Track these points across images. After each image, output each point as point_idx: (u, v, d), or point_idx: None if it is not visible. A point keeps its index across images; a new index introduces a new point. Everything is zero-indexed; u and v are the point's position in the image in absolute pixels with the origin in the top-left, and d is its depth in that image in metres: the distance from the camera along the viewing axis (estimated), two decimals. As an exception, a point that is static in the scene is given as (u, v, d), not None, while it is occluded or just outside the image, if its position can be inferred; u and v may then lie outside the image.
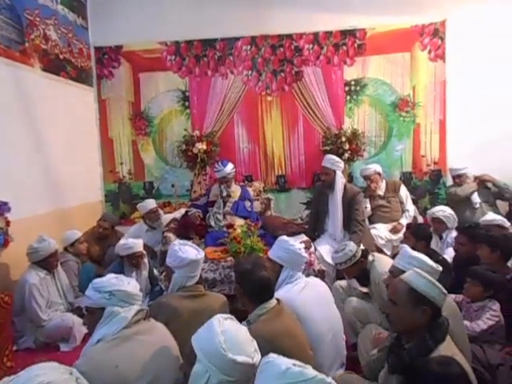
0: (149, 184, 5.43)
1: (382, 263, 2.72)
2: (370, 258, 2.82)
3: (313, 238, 3.90)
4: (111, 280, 1.84)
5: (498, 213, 4.06)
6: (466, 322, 2.43)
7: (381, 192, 4.46)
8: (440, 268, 2.24)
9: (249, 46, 5.20)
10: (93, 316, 1.82)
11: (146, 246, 3.77)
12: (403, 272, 2.14)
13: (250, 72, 5.24)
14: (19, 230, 3.29)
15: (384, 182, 4.55)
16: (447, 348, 1.65)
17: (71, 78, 4.76)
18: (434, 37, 5.02)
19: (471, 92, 4.90)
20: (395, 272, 2.27)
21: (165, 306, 2.21)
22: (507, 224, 3.55)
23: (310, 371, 1.18)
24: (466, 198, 4.33)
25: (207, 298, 2.34)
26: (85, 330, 3.24)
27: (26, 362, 2.98)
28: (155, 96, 5.35)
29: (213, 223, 4.10)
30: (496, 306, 2.46)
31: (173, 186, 5.36)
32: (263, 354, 1.32)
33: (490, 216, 3.62)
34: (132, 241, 3.58)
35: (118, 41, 5.27)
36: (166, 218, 4.52)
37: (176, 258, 2.33)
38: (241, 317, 1.82)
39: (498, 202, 4.45)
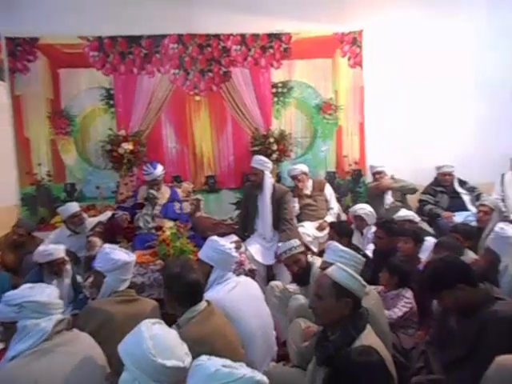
0: (70, 186, 5.11)
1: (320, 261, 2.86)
2: (310, 257, 2.99)
3: (243, 238, 3.96)
4: (23, 291, 1.73)
5: (410, 209, 4.44)
6: (385, 311, 2.64)
7: (307, 191, 4.64)
8: (363, 259, 2.45)
9: (176, 45, 5.11)
10: (9, 331, 1.70)
11: (68, 252, 3.57)
12: None
13: (177, 71, 5.15)
14: None
15: (310, 181, 4.74)
16: (368, 336, 1.78)
17: (-21, 71, 4.34)
18: (352, 45, 5.31)
19: (387, 97, 5.27)
20: (328, 267, 2.39)
21: (97, 310, 2.15)
22: (417, 219, 3.97)
23: (239, 371, 1.21)
24: (381, 194, 4.67)
25: (140, 302, 2.32)
26: (0, 346, 2.99)
27: None
28: (77, 93, 5.04)
29: (142, 224, 4.01)
30: (409, 293, 2.71)
31: (97, 187, 5.11)
32: (194, 356, 1.33)
33: (403, 212, 3.96)
34: (53, 246, 3.37)
35: (33, 32, 4.88)
36: (90, 221, 4.31)
37: (108, 260, 2.31)
38: (170, 321, 1.80)
39: (410, 196, 4.83)
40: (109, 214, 4.35)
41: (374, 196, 4.74)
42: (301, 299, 2.84)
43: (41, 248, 3.38)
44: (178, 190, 4.45)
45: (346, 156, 5.44)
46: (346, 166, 5.45)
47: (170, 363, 1.34)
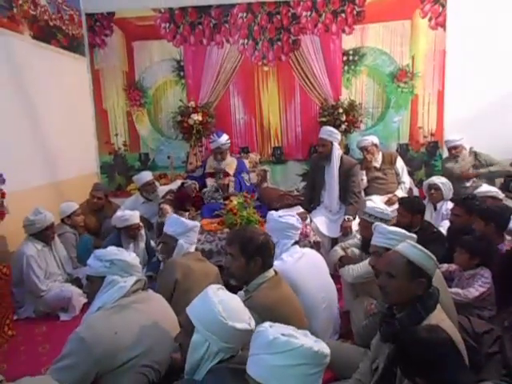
0: (144, 155, 5.39)
1: None
2: None
3: (308, 210, 3.93)
4: (112, 250, 1.91)
5: (493, 185, 4.08)
6: (459, 290, 2.49)
7: (377, 164, 4.45)
8: (415, 236, 2.24)
9: (245, 13, 5.05)
10: (93, 284, 1.87)
11: (142, 218, 3.78)
12: (387, 249, 2.17)
13: (246, 41, 5.11)
14: (15, 202, 3.28)
15: (380, 153, 4.53)
16: (438, 317, 1.69)
17: (62, 46, 4.62)
18: (435, 3, 4.88)
19: (471, 62, 4.80)
20: (379, 251, 2.29)
21: (178, 263, 2.38)
22: (501, 195, 3.57)
23: (298, 340, 1.20)
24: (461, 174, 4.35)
25: (208, 264, 2.57)
26: (83, 300, 3.30)
27: (26, 331, 3.07)
28: (149, 66, 5.22)
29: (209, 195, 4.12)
30: (487, 273, 2.52)
31: (168, 157, 5.32)
32: (264, 321, 1.35)
33: (485, 188, 3.63)
34: (129, 213, 3.59)
35: (110, 7, 5.10)
36: (161, 189, 4.52)
37: (179, 224, 2.58)
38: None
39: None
40: (179, 182, 4.52)
41: (455, 176, 4.36)
42: (340, 252, 2.98)
43: (118, 214, 3.62)
44: (245, 161, 4.49)
45: (421, 127, 5.12)
46: (420, 138, 5.13)
47: (239, 326, 1.40)
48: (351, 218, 3.72)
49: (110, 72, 5.23)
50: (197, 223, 2.70)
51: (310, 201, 4.06)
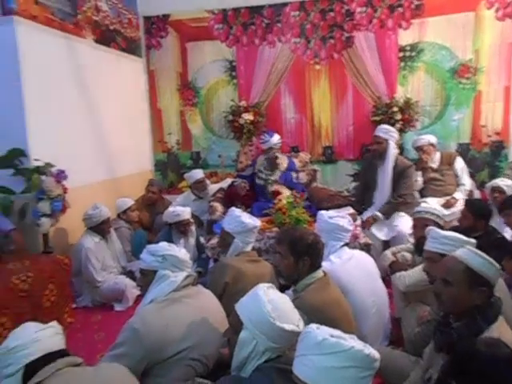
0: (196, 154, 5.51)
1: None
2: None
3: (359, 211, 3.82)
4: (164, 245, 1.95)
5: None
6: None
7: (434, 164, 4.23)
8: (473, 241, 2.09)
9: (297, 12, 5.01)
10: (146, 278, 1.93)
11: (193, 215, 3.86)
12: (441, 255, 2.04)
13: (297, 39, 5.07)
14: (76, 197, 3.48)
15: (438, 153, 4.31)
16: (501, 329, 1.56)
17: (121, 49, 4.85)
18: (503, -8, 4.58)
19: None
20: (434, 257, 2.15)
21: (229, 266, 2.33)
22: None
23: (347, 342, 1.17)
24: None
25: (262, 264, 2.49)
26: (137, 292, 3.42)
27: (83, 319, 3.24)
28: (202, 66, 5.34)
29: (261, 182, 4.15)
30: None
31: (219, 156, 5.41)
32: (314, 321, 1.34)
33: None
34: (180, 208, 3.69)
35: (165, 10, 5.27)
36: (212, 187, 4.60)
37: (239, 223, 2.49)
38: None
39: None
40: (229, 181, 4.57)
41: None
42: (390, 257, 2.84)
43: (170, 209, 3.73)
44: (295, 160, 4.46)
45: (484, 126, 4.81)
46: (483, 137, 4.82)
47: (288, 327, 1.38)
48: (380, 216, 3.63)
49: (165, 73, 5.40)
50: (257, 224, 2.56)
51: (362, 202, 3.94)
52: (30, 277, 2.71)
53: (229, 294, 2.22)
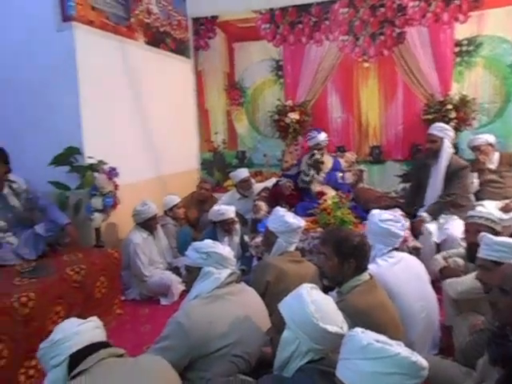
0: (241, 153, 5.55)
1: None
2: None
3: (409, 213, 3.67)
4: (209, 243, 1.98)
5: None
6: None
7: (492, 165, 3.99)
8: None
9: (346, 9, 4.91)
10: (191, 274, 1.96)
11: (237, 214, 3.89)
12: (495, 263, 1.91)
13: (346, 37, 4.96)
14: (126, 194, 3.61)
15: (497, 154, 4.05)
16: None
17: (170, 50, 4.97)
18: None
19: None
20: (487, 265, 2.01)
21: (272, 265, 2.34)
22: None
23: (393, 348, 1.13)
24: None
25: (305, 264, 2.48)
26: (181, 288, 3.49)
27: (131, 311, 3.35)
28: (249, 66, 5.36)
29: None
30: None
31: (264, 155, 5.42)
32: (359, 325, 1.30)
33: None
34: (224, 207, 3.72)
35: (213, 11, 5.35)
36: (257, 186, 4.61)
37: (283, 223, 2.49)
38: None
39: None
40: (274, 180, 4.56)
41: None
42: (441, 261, 2.69)
43: (215, 208, 3.78)
44: (341, 160, 4.37)
45: (547, 124, 4.47)
46: (547, 137, 4.49)
47: (331, 328, 1.36)
48: (427, 217, 3.46)
49: (212, 73, 5.49)
50: (301, 225, 2.54)
51: (413, 203, 3.78)
52: (82, 269, 2.85)
53: (271, 294, 2.21)
